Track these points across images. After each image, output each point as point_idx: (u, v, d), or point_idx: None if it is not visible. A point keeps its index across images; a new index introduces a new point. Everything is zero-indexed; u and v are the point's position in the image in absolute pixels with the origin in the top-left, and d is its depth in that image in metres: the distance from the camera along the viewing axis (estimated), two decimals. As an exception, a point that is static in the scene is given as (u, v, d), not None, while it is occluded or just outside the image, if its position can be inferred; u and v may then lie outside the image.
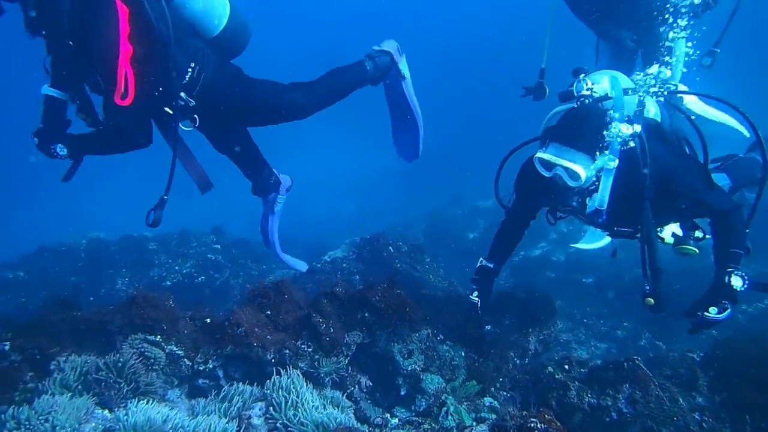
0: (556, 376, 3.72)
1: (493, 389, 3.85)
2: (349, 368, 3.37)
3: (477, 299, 3.70)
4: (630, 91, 3.02)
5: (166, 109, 3.08)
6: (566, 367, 3.84)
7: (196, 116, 3.30)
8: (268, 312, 3.36)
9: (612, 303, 7.38)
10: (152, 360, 3.07)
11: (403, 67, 3.91)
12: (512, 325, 4.64)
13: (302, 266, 4.97)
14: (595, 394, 3.61)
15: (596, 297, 7.68)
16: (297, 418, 2.78)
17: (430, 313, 4.59)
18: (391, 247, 7.25)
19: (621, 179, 2.87)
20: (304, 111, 3.64)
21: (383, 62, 3.77)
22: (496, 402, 3.55)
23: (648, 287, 3.03)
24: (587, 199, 2.88)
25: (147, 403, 2.89)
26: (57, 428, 2.56)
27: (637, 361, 3.64)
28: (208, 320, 3.33)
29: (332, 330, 3.29)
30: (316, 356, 3.26)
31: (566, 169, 2.72)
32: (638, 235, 3.10)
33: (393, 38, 3.90)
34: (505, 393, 3.91)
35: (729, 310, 2.97)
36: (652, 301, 2.98)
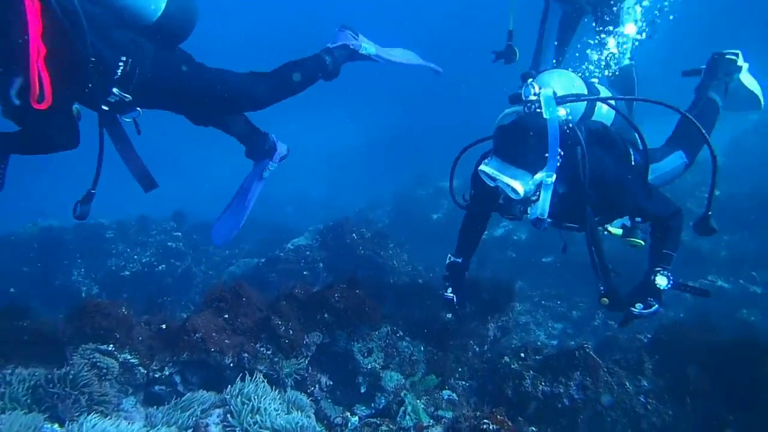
0: (512, 366, 3.80)
1: (452, 380, 3.93)
2: (310, 368, 3.37)
3: (451, 295, 3.73)
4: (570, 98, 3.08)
5: (103, 107, 2.92)
6: (522, 355, 3.93)
7: (138, 109, 3.14)
8: (226, 316, 3.31)
9: (569, 283, 7.58)
10: (105, 370, 2.99)
11: (366, 48, 3.76)
12: (472, 313, 4.71)
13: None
14: (549, 381, 3.72)
15: (555, 277, 7.87)
16: (256, 425, 2.77)
17: (392, 303, 4.63)
18: (354, 234, 7.25)
19: (562, 185, 2.92)
20: (259, 103, 3.50)
21: (341, 57, 3.65)
22: (454, 394, 3.62)
23: (602, 287, 3.10)
24: (529, 208, 2.91)
25: (100, 415, 2.84)
26: (0, 448, 2.49)
27: (587, 349, 3.75)
28: (164, 326, 3.26)
29: (291, 332, 3.27)
30: (276, 358, 3.24)
31: (506, 184, 2.78)
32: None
33: (344, 26, 3.80)
34: (464, 383, 3.98)
35: (655, 307, 3.09)
36: (606, 300, 3.05)
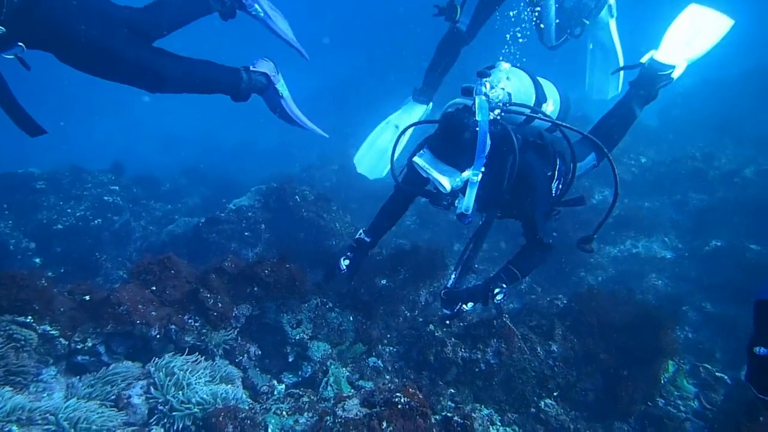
0: (436, 334, 3.94)
1: (380, 346, 4.04)
2: (239, 339, 3.37)
3: (345, 267, 3.65)
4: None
5: None
6: (447, 322, 4.08)
7: (21, 44, 2.69)
8: (154, 288, 3.23)
9: (502, 248, 7.81)
10: (23, 342, 2.88)
11: (281, 87, 3.54)
12: (405, 280, 4.82)
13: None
14: (468, 348, 3.91)
15: (491, 242, 8.07)
16: (178, 398, 2.76)
17: (329, 267, 4.67)
18: (297, 196, 7.14)
19: (486, 182, 2.98)
20: (159, 85, 3.05)
21: (258, 82, 3.40)
22: (380, 361, 3.72)
23: (448, 283, 3.33)
24: (456, 201, 2.97)
25: (15, 387, 2.76)
26: None
27: (504, 319, 3.94)
28: (87, 297, 3.14)
29: (220, 305, 3.24)
30: (204, 330, 3.22)
31: (435, 179, 2.83)
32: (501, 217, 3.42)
33: (268, 57, 3.59)
34: (391, 348, 4.10)
35: (473, 307, 3.29)
36: (445, 297, 3.23)
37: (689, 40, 4.07)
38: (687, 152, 9.17)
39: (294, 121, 3.66)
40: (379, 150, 5.04)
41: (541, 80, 3.49)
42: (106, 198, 8.71)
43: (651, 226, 7.66)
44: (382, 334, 4.03)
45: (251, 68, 3.43)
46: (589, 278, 6.46)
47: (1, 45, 2.66)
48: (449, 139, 2.87)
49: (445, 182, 2.82)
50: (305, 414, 2.70)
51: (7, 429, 2.47)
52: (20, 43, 2.69)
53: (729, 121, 10.49)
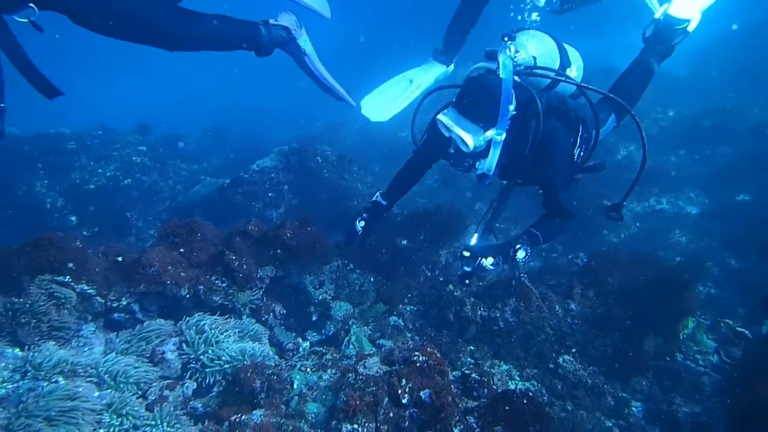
0: (456, 294, 4.01)
1: (401, 306, 4.12)
2: (264, 298, 3.48)
3: (360, 229, 3.62)
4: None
5: None
6: (467, 282, 4.14)
7: (32, 5, 2.60)
8: (181, 250, 3.33)
9: (525, 206, 7.75)
10: (63, 300, 3.04)
11: (304, 43, 3.41)
12: (426, 240, 4.87)
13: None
14: (487, 307, 3.97)
15: (513, 200, 8.01)
16: (209, 354, 2.90)
17: (348, 232, 4.72)
18: (318, 157, 7.17)
19: (509, 148, 2.94)
20: (177, 44, 2.98)
21: (278, 35, 3.27)
22: (401, 320, 3.80)
23: (470, 243, 3.26)
24: (477, 163, 2.94)
25: (58, 342, 2.93)
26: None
27: (522, 278, 3.97)
28: (120, 258, 3.27)
29: (245, 266, 3.34)
30: (231, 290, 3.33)
31: (458, 136, 2.79)
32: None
33: (291, 11, 3.40)
34: (412, 307, 4.19)
35: (495, 268, 3.19)
36: (467, 254, 3.14)
37: None
38: (717, 104, 8.82)
39: (319, 80, 3.55)
40: (387, 97, 4.91)
41: (566, 46, 3.40)
42: (134, 158, 8.87)
43: (677, 181, 7.51)
44: (402, 294, 4.11)
45: (271, 22, 3.31)
46: (612, 237, 6.40)
47: (12, 7, 2.61)
48: (474, 97, 2.82)
49: (469, 140, 2.78)
50: (328, 371, 2.81)
51: (54, 380, 2.64)
52: (31, 4, 2.60)
53: (763, 71, 9.96)
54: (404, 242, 4.89)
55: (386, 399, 2.51)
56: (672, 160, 8.21)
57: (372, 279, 3.81)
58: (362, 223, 3.60)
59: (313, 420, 2.45)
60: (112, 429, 2.43)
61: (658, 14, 3.87)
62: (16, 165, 8.49)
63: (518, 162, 3.03)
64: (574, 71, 3.36)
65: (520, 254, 3.09)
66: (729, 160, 7.61)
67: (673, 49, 3.91)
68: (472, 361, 3.92)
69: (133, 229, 6.67)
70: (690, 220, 6.64)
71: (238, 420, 2.34)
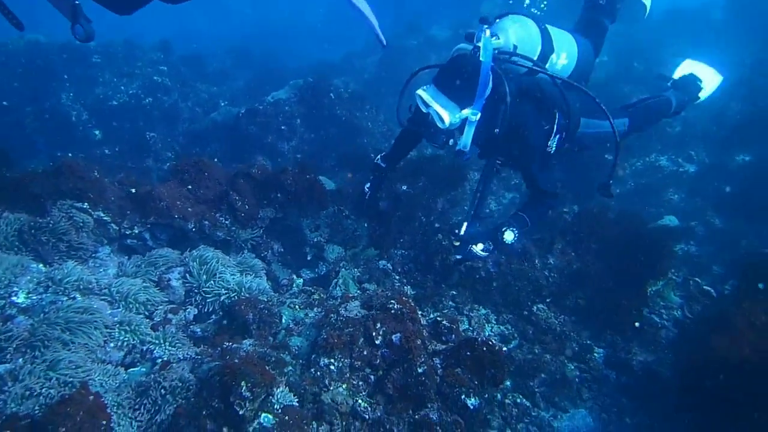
0: (443, 243, 4.17)
1: (393, 250, 4.31)
2: (264, 236, 3.67)
3: (368, 190, 3.81)
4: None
5: None
6: (456, 231, 4.28)
7: None
8: (190, 186, 3.50)
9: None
10: (81, 223, 3.26)
11: None
12: (425, 187, 4.96)
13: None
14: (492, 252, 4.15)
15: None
16: (210, 285, 3.14)
17: (356, 165, 4.75)
18: (332, 94, 7.13)
19: (482, 128, 2.96)
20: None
21: None
22: (390, 264, 4.00)
23: (458, 231, 3.31)
24: (452, 140, 2.97)
25: (78, 261, 3.17)
26: (-6, 280, 2.83)
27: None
28: (134, 190, 3.45)
29: (247, 206, 3.51)
30: (233, 227, 3.52)
31: (436, 111, 2.83)
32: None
33: None
34: (403, 251, 4.37)
35: (487, 254, 3.28)
36: (457, 243, 3.25)
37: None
38: (736, 58, 8.39)
39: (356, 8, 3.33)
40: None
41: (558, 32, 3.30)
42: (155, 78, 8.88)
43: (682, 137, 7.36)
44: (395, 239, 4.27)
45: None
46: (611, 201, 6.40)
47: None
48: (453, 75, 2.85)
49: (446, 115, 2.83)
50: (314, 309, 3.04)
51: (72, 296, 2.91)
52: None
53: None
54: (404, 187, 5.00)
55: (362, 339, 2.75)
56: (682, 114, 8.00)
57: (365, 225, 3.96)
58: (368, 185, 3.76)
59: (296, 352, 2.71)
60: (120, 343, 2.71)
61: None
62: (43, 75, 8.56)
63: (493, 143, 3.08)
64: (563, 59, 3.29)
65: (508, 236, 3.18)
66: (740, 118, 7.38)
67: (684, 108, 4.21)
68: (453, 304, 4.16)
69: (152, 150, 6.81)
70: (687, 179, 6.61)
71: (229, 347, 2.60)
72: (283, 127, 6.81)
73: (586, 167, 6.39)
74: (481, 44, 2.81)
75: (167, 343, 2.74)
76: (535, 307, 4.19)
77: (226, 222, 3.52)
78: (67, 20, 2.50)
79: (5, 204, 3.29)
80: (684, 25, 10.40)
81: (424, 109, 2.91)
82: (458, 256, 3.27)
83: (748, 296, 3.33)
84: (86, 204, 3.31)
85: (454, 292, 4.19)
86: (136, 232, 3.42)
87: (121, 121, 8.37)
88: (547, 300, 4.24)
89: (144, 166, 6.47)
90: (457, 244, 3.22)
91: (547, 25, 3.27)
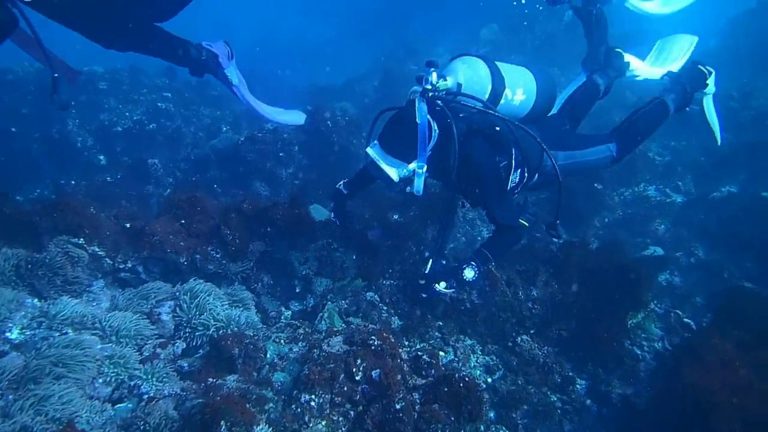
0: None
1: (381, 280, 4.36)
2: (255, 269, 3.74)
3: (335, 219, 3.83)
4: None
5: None
6: (423, 270, 4.31)
7: None
8: (183, 221, 3.58)
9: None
10: (76, 258, 3.35)
11: (230, 74, 3.44)
12: (415, 216, 5.04)
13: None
14: (456, 290, 4.20)
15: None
16: (199, 319, 3.20)
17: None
18: (329, 122, 7.26)
19: (437, 169, 3.03)
20: (122, 41, 2.95)
21: (207, 59, 3.30)
22: (377, 295, 4.06)
23: (425, 270, 3.39)
24: (408, 188, 3.01)
25: (72, 296, 3.25)
26: (-11, 317, 2.90)
27: (491, 267, 4.17)
28: (128, 225, 3.54)
29: (238, 240, 3.58)
30: (224, 261, 3.60)
31: (384, 171, 2.90)
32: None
33: (227, 42, 3.43)
34: (392, 282, 4.42)
35: (452, 290, 3.36)
36: (422, 282, 3.32)
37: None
38: (725, 90, 8.51)
39: (252, 108, 3.64)
40: None
41: (512, 69, 3.32)
42: (159, 104, 9.06)
43: (670, 167, 7.46)
44: (384, 269, 4.32)
45: (204, 44, 3.35)
46: (596, 220, 6.48)
47: None
48: (395, 134, 2.92)
49: (393, 174, 2.90)
50: (299, 344, 3.10)
51: (65, 331, 2.98)
52: None
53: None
54: (395, 216, 5.08)
55: (342, 375, 2.80)
56: (672, 144, 8.11)
57: (354, 256, 4.02)
58: (332, 214, 3.77)
59: (279, 388, 2.76)
60: (109, 378, 2.77)
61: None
62: (50, 102, 8.70)
63: (447, 181, 3.15)
64: (520, 94, 3.30)
65: (468, 274, 3.25)
66: (727, 148, 7.47)
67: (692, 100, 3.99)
68: (440, 335, 4.21)
69: (153, 177, 6.93)
70: (673, 209, 6.67)
71: (213, 383, 2.66)
72: (281, 154, 6.93)
73: (576, 197, 6.49)
74: (416, 104, 2.86)
75: (154, 378, 2.79)
76: (519, 338, 4.23)
77: (217, 255, 3.59)
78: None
79: (4, 239, 3.38)
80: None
81: (374, 168, 2.96)
82: (423, 295, 3.33)
83: (718, 331, 3.37)
84: (82, 239, 3.41)
85: (441, 323, 4.24)
86: (130, 265, 3.50)
87: (125, 147, 8.53)
88: (531, 331, 4.28)
89: (144, 192, 6.58)
90: (422, 282, 3.26)
91: (500, 63, 3.29)
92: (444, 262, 3.50)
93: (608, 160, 3.75)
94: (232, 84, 3.48)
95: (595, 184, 6.71)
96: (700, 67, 3.99)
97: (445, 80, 3.01)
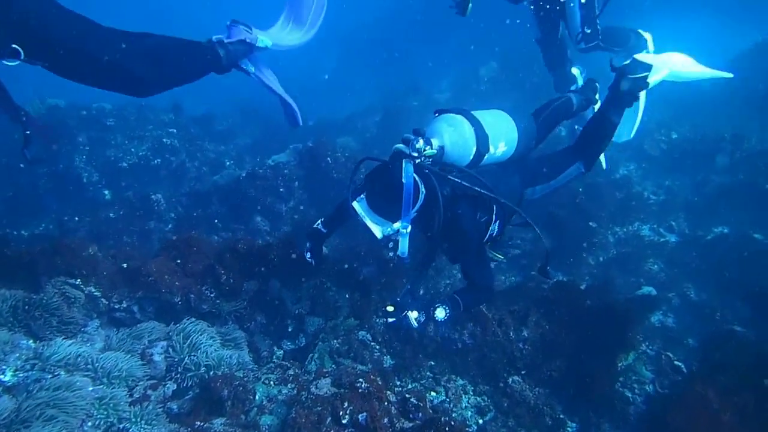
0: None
1: (375, 318, 4.38)
2: (248, 308, 3.78)
3: (311, 260, 3.76)
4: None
5: None
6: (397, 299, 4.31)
7: (18, 48, 2.35)
8: (178, 261, 3.64)
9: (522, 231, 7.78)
10: (73, 299, 3.39)
11: (262, 43, 3.23)
12: (411, 253, 5.08)
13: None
14: (447, 329, 4.22)
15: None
16: (192, 359, 3.22)
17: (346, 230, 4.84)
18: (329, 158, 7.37)
19: (421, 227, 3.10)
20: (146, 88, 2.77)
21: (236, 50, 3.10)
22: (369, 334, 4.07)
23: (399, 298, 3.38)
24: (391, 243, 3.04)
25: (66, 336, 3.28)
26: (-16, 359, 2.93)
27: (481, 307, 4.19)
28: (125, 265, 3.59)
29: (232, 280, 3.63)
30: (218, 300, 3.64)
31: (369, 227, 2.93)
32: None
33: (240, 21, 3.21)
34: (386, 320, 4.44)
35: (419, 324, 3.32)
36: (392, 308, 3.28)
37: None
38: (717, 132, 8.63)
39: (270, 89, 3.43)
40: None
41: (495, 122, 3.37)
42: (164, 140, 9.22)
43: (663, 207, 7.51)
44: (377, 308, 4.35)
45: (226, 41, 3.11)
46: (590, 259, 6.49)
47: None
48: (380, 192, 2.95)
49: (377, 232, 2.93)
50: (288, 385, 3.11)
51: (57, 373, 3.00)
52: (16, 46, 2.36)
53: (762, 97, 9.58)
54: (390, 254, 5.12)
55: (329, 418, 2.81)
56: (666, 184, 8.19)
57: (347, 296, 4.05)
58: (308, 254, 3.73)
59: (266, 431, 2.76)
60: (98, 421, 2.78)
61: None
62: (61, 138, 8.90)
63: (430, 240, 3.21)
64: (502, 146, 3.37)
65: (439, 313, 3.24)
66: (719, 189, 7.55)
67: (632, 99, 3.90)
68: (431, 375, 4.21)
69: (155, 212, 7.02)
70: (666, 249, 6.68)
71: (200, 427, 2.66)
72: (281, 190, 7.02)
73: (570, 236, 6.53)
74: (403, 167, 2.90)
75: (143, 422, 2.80)
76: (510, 379, 4.21)
77: (212, 295, 3.64)
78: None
79: (3, 280, 3.43)
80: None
81: (360, 223, 2.99)
82: (392, 321, 3.26)
83: (704, 377, 3.37)
84: (79, 280, 3.46)
85: (432, 363, 4.24)
86: (125, 305, 3.54)
87: (129, 182, 8.67)
88: (522, 372, 4.27)
89: (146, 228, 6.66)
90: (391, 309, 3.23)
91: (483, 116, 3.33)
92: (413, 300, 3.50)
93: (581, 176, 3.90)
94: (267, 47, 3.25)
95: (590, 223, 6.76)
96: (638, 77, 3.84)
97: (431, 146, 3.05)
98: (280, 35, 3.45)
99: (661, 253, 6.62)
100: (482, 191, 3.06)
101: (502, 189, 3.31)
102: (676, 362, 4.33)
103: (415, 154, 2.93)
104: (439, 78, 15.29)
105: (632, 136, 4.76)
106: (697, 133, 8.85)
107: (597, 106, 4.25)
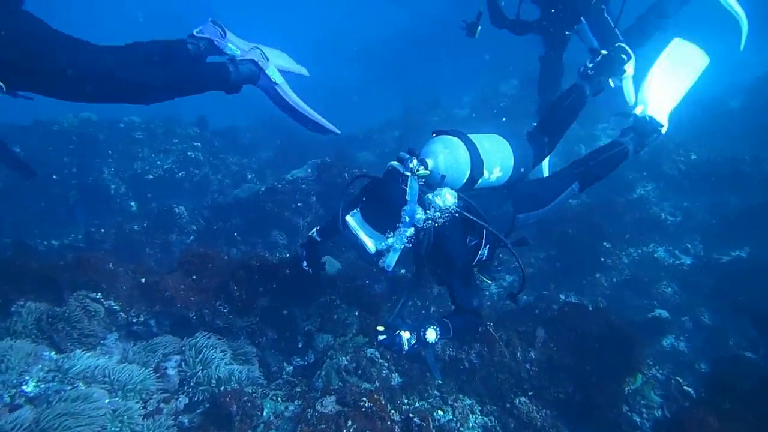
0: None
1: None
2: (260, 323, 3.84)
3: (308, 268, 3.74)
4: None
5: None
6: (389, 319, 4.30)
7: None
8: (194, 276, 3.72)
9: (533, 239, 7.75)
10: (93, 312, 3.50)
11: (272, 73, 3.26)
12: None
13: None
14: (455, 348, 4.24)
15: (526, 231, 8.01)
16: (204, 374, 3.29)
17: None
18: (346, 174, 7.46)
19: (412, 246, 3.04)
20: (152, 95, 2.78)
21: (246, 70, 3.12)
22: (377, 351, 4.09)
23: (389, 319, 3.29)
24: (381, 258, 2.98)
25: (87, 348, 3.38)
26: (9, 369, 3.03)
27: (488, 327, 4.19)
28: (143, 280, 3.69)
29: (245, 296, 3.70)
30: (231, 316, 3.71)
31: (362, 241, 2.91)
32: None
33: (256, 41, 3.27)
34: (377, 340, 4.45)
35: (409, 346, 3.16)
36: (381, 328, 3.17)
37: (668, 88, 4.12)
38: (737, 153, 8.47)
39: (296, 111, 3.41)
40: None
41: (491, 147, 3.36)
42: (189, 153, 9.45)
43: (679, 229, 7.38)
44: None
45: (238, 58, 3.18)
46: (603, 280, 6.41)
47: None
48: (378, 207, 2.94)
49: (370, 244, 2.91)
50: (295, 402, 3.15)
51: (76, 385, 3.09)
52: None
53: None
54: (402, 271, 5.16)
55: (333, 437, 2.84)
56: (684, 205, 8.05)
57: (356, 313, 4.09)
58: (304, 263, 3.72)
59: (271, 448, 2.80)
60: (113, 433, 2.85)
61: (637, 111, 3.99)
62: (91, 152, 9.18)
63: (418, 259, 3.23)
64: (497, 171, 3.37)
65: (430, 334, 3.15)
66: (737, 211, 7.39)
67: (645, 146, 4.02)
68: (439, 394, 4.20)
69: (177, 225, 7.17)
70: (681, 271, 6.56)
71: (209, 442, 2.72)
72: (299, 204, 7.13)
73: (584, 256, 6.47)
74: (408, 184, 2.89)
75: (154, 434, 2.87)
76: (517, 400, 4.18)
77: (225, 310, 3.71)
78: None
79: (29, 293, 3.56)
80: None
81: (352, 237, 2.97)
82: (383, 339, 3.15)
83: (708, 402, 3.30)
84: (99, 294, 3.57)
85: (440, 381, 4.24)
86: (142, 319, 3.64)
87: (155, 194, 8.90)
88: (530, 393, 4.23)
89: (168, 240, 6.81)
90: (381, 329, 3.14)
91: (481, 141, 3.32)
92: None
93: (574, 197, 3.99)
94: (275, 83, 3.28)
95: (605, 243, 6.68)
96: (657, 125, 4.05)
97: (426, 167, 3.05)
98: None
99: (675, 275, 6.51)
100: (471, 217, 3.05)
101: (494, 214, 3.32)
102: (685, 387, 4.25)
103: (408, 173, 2.94)
104: (460, 93, 15.33)
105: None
106: (717, 154, 8.72)
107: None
